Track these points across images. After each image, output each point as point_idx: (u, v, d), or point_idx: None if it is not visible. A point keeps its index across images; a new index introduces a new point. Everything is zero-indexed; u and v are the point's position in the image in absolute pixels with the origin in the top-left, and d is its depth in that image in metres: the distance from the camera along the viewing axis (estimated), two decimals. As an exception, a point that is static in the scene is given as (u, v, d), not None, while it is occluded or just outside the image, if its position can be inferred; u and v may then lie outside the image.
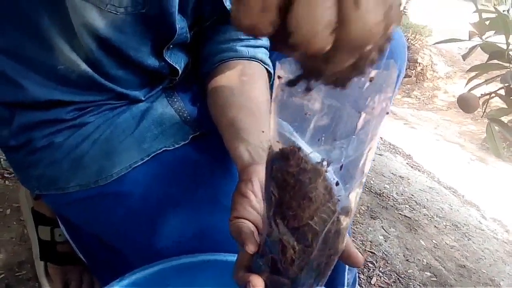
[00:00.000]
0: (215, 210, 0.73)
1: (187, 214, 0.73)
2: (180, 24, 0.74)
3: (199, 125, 0.80)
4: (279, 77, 0.38)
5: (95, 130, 0.75)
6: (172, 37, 0.73)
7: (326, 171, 0.41)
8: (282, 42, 0.31)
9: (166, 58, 0.77)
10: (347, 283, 0.90)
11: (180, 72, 0.80)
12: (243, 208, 0.54)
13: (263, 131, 0.66)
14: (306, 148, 0.41)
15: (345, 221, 0.43)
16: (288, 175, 0.41)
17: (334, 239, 0.43)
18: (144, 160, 0.74)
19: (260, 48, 0.84)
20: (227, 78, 0.78)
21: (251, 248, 0.47)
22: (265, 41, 0.85)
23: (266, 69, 0.83)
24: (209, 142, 0.80)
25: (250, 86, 0.77)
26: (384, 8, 0.30)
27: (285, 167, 0.41)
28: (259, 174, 0.56)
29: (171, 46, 0.76)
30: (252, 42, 0.83)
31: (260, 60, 0.82)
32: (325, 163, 0.41)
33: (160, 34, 0.73)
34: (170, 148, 0.76)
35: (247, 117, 0.69)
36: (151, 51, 0.75)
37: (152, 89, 0.81)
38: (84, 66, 0.70)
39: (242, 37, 0.82)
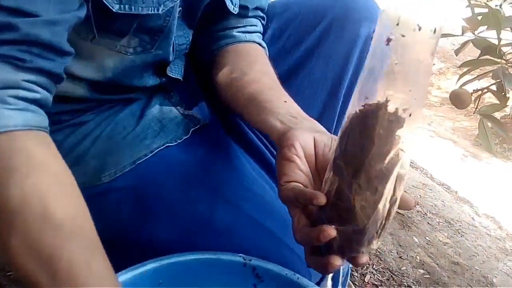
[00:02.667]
0: (215, 206, 0.73)
1: (183, 211, 0.72)
2: (184, 41, 0.76)
3: (199, 118, 0.80)
4: None
5: (96, 128, 0.75)
6: (173, 57, 0.76)
7: (404, 119, 0.46)
8: None
9: (168, 74, 0.78)
10: (341, 282, 0.89)
11: (181, 79, 0.81)
12: (292, 171, 0.56)
13: (285, 101, 0.67)
14: None
15: (405, 167, 0.48)
16: (374, 125, 0.46)
17: (397, 184, 0.47)
18: (148, 156, 0.73)
19: (256, 33, 0.85)
20: (233, 60, 0.79)
21: (322, 200, 0.49)
22: (259, 27, 0.85)
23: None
24: (210, 135, 0.80)
25: (260, 63, 0.78)
26: None
27: (372, 119, 0.46)
28: (299, 138, 0.58)
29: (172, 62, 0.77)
30: (248, 28, 0.84)
31: (258, 44, 0.84)
32: (402, 111, 0.46)
33: (163, 61, 0.75)
34: (172, 144, 0.75)
35: (268, 90, 0.70)
36: (153, 73, 0.77)
37: (151, 90, 0.82)
38: (83, 91, 0.71)
39: (238, 24, 0.83)
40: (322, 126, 0.65)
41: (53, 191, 0.49)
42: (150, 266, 0.64)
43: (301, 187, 0.54)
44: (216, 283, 0.68)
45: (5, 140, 0.48)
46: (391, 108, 0.46)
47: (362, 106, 0.47)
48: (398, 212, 1.94)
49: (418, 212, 2.01)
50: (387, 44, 0.46)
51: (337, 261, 0.50)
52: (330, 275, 0.55)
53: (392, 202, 0.48)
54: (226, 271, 0.67)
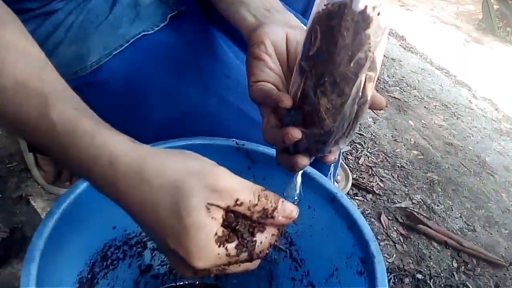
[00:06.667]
0: (203, 94, 0.72)
1: (171, 98, 0.72)
2: None
3: (176, 3, 0.76)
4: None
5: (67, 17, 0.71)
6: None
7: (373, 18, 0.44)
8: None
9: None
10: (331, 173, 0.91)
11: None
12: (261, 71, 0.54)
13: None
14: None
15: (374, 70, 0.46)
16: (338, 26, 0.43)
17: (367, 86, 0.46)
18: (124, 47, 0.71)
19: None
20: None
21: (288, 103, 0.47)
22: None
23: None
24: (189, 22, 0.76)
25: None
26: None
27: (336, 19, 0.43)
28: (269, 35, 0.55)
29: None
30: None
31: None
32: (371, 9, 0.43)
33: None
34: (149, 32, 0.73)
35: None
36: None
37: None
38: None
39: None
40: (298, 21, 0.60)
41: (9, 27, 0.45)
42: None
43: (269, 88, 0.53)
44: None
45: None
46: (360, 6, 0.43)
47: (325, 5, 0.44)
48: (395, 97, 1.95)
49: (415, 96, 2.02)
50: None
51: (303, 161, 0.51)
52: (300, 173, 0.56)
53: (361, 104, 0.47)
54: (221, 155, 0.69)
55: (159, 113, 0.72)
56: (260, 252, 0.43)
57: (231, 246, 0.40)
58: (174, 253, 0.39)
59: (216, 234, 0.39)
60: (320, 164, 0.64)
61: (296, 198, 0.57)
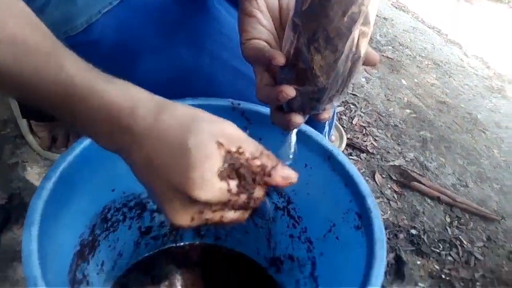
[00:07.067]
0: (197, 53, 0.71)
1: (164, 58, 0.71)
2: None
3: None
4: None
5: None
6: None
7: None
8: None
9: None
10: (327, 131, 0.91)
11: None
12: (253, 28, 0.53)
13: None
14: None
15: (368, 25, 0.45)
16: None
17: (360, 41, 0.45)
18: (113, 5, 0.69)
19: None
20: None
21: (281, 60, 0.47)
22: None
23: None
24: None
25: None
26: None
27: None
28: None
29: None
30: None
31: None
32: None
33: None
34: None
35: None
36: None
37: None
38: None
39: None
40: None
41: None
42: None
43: (262, 46, 0.51)
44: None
45: None
46: None
47: None
48: (387, 57, 1.94)
49: (407, 55, 2.01)
50: None
51: (298, 119, 0.51)
52: (294, 131, 0.56)
53: (354, 60, 0.46)
54: (217, 115, 0.68)
55: (151, 74, 0.71)
56: (256, 199, 0.43)
57: (233, 183, 0.40)
58: (174, 194, 0.39)
59: (219, 169, 0.39)
60: (315, 123, 0.64)
61: (291, 157, 0.57)
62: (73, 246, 0.61)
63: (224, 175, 0.39)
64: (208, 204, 0.40)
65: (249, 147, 0.41)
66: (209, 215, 0.41)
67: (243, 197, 0.41)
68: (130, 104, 0.40)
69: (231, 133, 0.41)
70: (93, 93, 0.40)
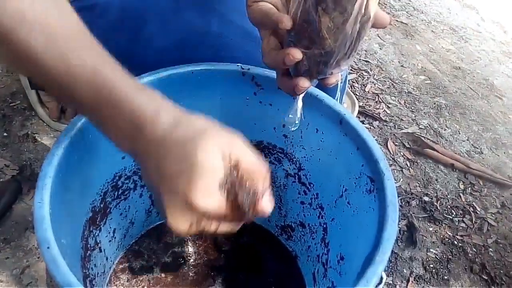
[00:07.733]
0: (206, 15, 0.70)
1: (172, 21, 0.69)
2: None
3: None
4: None
5: None
6: None
7: None
8: None
9: None
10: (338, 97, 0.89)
11: None
12: None
13: None
14: None
15: None
16: None
17: (369, 2, 0.43)
18: None
19: None
20: None
21: (288, 24, 0.46)
22: None
23: None
24: None
25: None
26: None
27: None
28: None
29: None
30: None
31: None
32: None
33: None
34: None
35: None
36: None
37: None
38: None
39: None
40: None
41: None
42: (145, 79, 0.61)
43: (268, 8, 0.50)
44: (216, 94, 0.68)
45: None
46: None
47: None
48: (402, 22, 1.89)
49: (422, 20, 1.96)
50: None
51: (304, 83, 0.50)
52: (300, 96, 0.55)
53: (363, 22, 0.45)
54: (226, 81, 0.67)
55: (160, 38, 0.70)
56: (249, 218, 0.43)
57: (231, 199, 0.41)
58: (177, 200, 0.40)
59: (221, 181, 0.40)
60: (325, 89, 0.62)
61: (297, 122, 0.56)
62: (85, 212, 0.61)
63: (224, 189, 0.41)
64: (206, 214, 0.41)
65: (249, 164, 0.42)
66: (206, 225, 0.43)
67: (238, 213, 0.42)
68: (154, 114, 0.42)
69: (237, 147, 0.42)
70: (125, 99, 0.42)
